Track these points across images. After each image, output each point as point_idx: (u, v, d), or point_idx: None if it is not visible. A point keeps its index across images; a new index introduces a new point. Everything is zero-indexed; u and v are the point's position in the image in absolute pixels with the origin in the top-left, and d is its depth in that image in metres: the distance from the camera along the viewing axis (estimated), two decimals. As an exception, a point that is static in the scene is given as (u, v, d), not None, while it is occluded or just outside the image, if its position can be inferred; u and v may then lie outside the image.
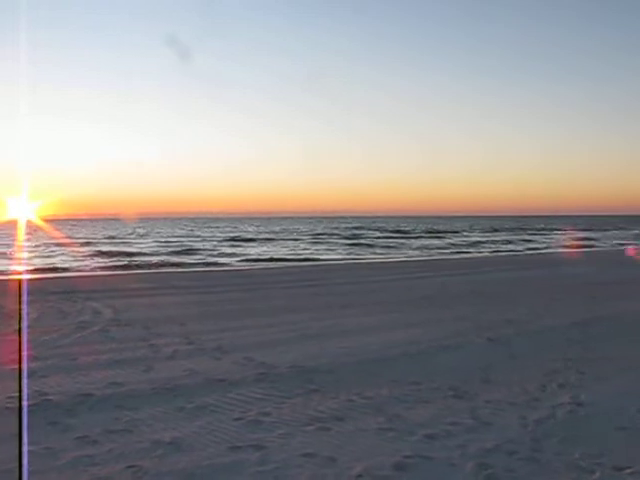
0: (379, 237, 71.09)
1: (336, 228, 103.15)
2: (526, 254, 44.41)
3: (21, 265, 35.88)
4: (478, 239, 65.83)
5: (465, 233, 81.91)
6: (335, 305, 15.21)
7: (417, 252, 46.30)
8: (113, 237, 70.85)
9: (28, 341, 10.55)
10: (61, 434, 5.99)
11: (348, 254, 44.35)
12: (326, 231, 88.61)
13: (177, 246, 51.99)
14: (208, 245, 54.29)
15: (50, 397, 7.26)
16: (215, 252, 45.07)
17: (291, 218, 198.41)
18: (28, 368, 8.58)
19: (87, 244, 54.80)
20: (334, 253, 45.34)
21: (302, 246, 54.10)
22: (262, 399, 7.21)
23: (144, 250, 46.95)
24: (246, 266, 33.36)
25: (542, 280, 21.86)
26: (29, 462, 5.28)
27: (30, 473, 5.09)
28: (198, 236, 73.45)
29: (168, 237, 71.01)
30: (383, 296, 17.17)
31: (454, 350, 9.98)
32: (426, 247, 52.05)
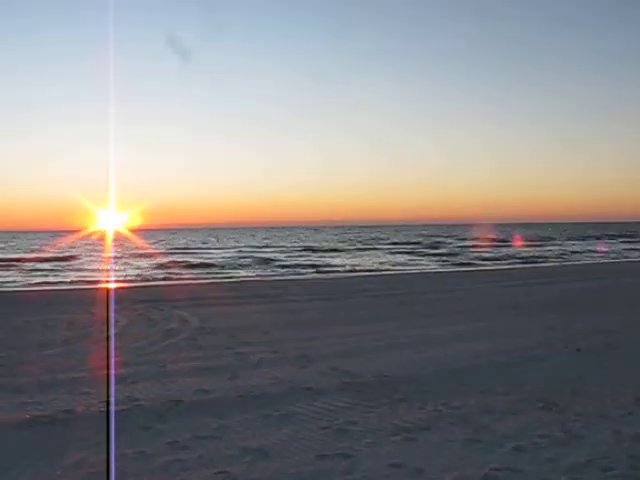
0: (462, 246, 69.94)
1: (420, 236, 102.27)
2: (615, 262, 42.93)
3: (110, 274, 37.11)
4: (574, 248, 63.20)
5: (558, 241, 79.28)
6: (420, 314, 15.11)
7: (504, 261, 45.39)
8: (193, 247, 72.46)
9: (119, 348, 10.88)
10: (153, 439, 6.15)
11: (434, 263, 43.97)
12: (406, 240, 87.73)
13: (255, 256, 52.57)
14: (286, 255, 54.73)
15: (141, 402, 7.48)
16: (293, 262, 45.33)
17: (368, 227, 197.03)
18: (119, 374, 8.85)
19: (171, 253, 56.25)
20: (420, 262, 44.95)
21: (386, 256, 53.63)
22: (348, 408, 7.21)
23: (223, 260, 47.71)
24: (330, 275, 33.51)
25: (635, 288, 21.12)
26: (124, 464, 5.45)
27: (125, 475, 5.24)
28: (277, 246, 74.08)
29: (244, 247, 71.91)
30: (469, 305, 16.96)
31: (542, 360, 9.74)
32: (513, 256, 50.84)
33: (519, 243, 69.64)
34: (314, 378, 8.65)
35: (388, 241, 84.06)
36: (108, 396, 7.78)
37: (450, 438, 6.15)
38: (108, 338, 12.22)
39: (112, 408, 7.21)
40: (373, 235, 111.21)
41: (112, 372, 8.99)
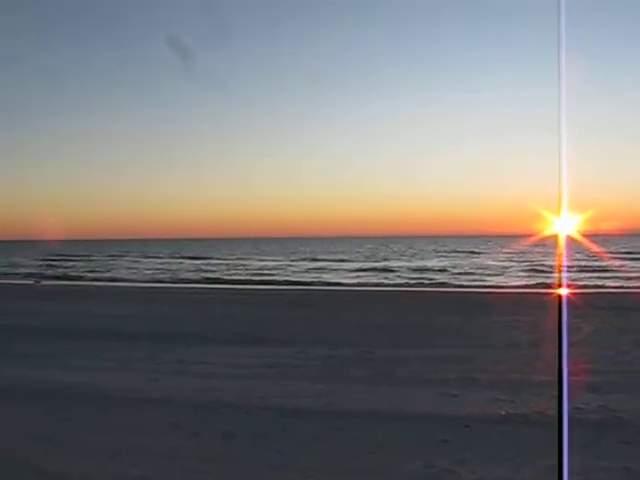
0: None
1: None
2: None
3: (567, 279, 36.48)
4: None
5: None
6: None
7: None
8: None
9: (586, 355, 10.53)
10: (637, 454, 5.77)
11: None
12: None
13: None
14: None
15: (619, 414, 7.09)
16: None
17: None
18: (589, 382, 8.56)
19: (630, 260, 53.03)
20: None
21: None
22: None
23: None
24: None
25: None
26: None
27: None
28: None
29: None
30: None
31: None
32: None
33: None
34: None
35: None
36: (560, 403, 7.56)
37: None
38: (566, 345, 11.94)
39: (585, 416, 7.00)
40: None
41: (581, 379, 8.74)
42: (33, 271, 48.24)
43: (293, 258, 68.45)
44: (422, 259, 63.47)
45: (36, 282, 37.54)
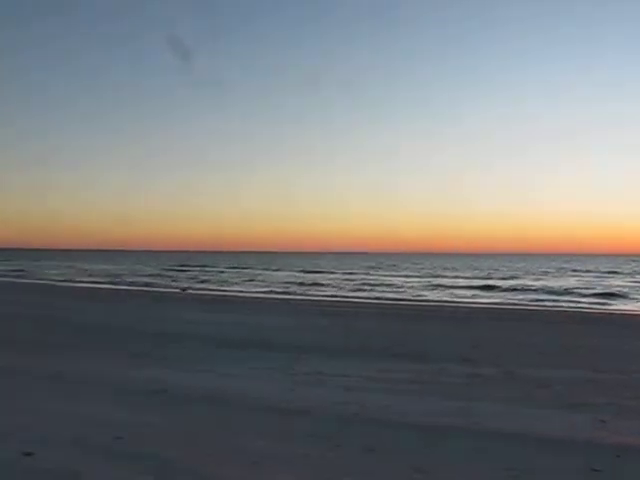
0: None
1: None
2: None
3: None
4: None
5: None
6: None
7: None
8: None
9: None
10: None
11: None
12: None
13: None
14: None
15: None
16: None
17: None
18: None
19: None
20: None
21: None
22: None
23: None
24: None
25: None
26: None
27: None
28: None
29: None
30: None
31: None
32: None
33: None
34: None
35: None
36: None
37: None
38: None
39: None
40: None
41: None
42: (153, 280, 51.03)
43: (410, 273, 68.08)
44: (558, 277, 61.29)
45: (182, 290, 39.53)
